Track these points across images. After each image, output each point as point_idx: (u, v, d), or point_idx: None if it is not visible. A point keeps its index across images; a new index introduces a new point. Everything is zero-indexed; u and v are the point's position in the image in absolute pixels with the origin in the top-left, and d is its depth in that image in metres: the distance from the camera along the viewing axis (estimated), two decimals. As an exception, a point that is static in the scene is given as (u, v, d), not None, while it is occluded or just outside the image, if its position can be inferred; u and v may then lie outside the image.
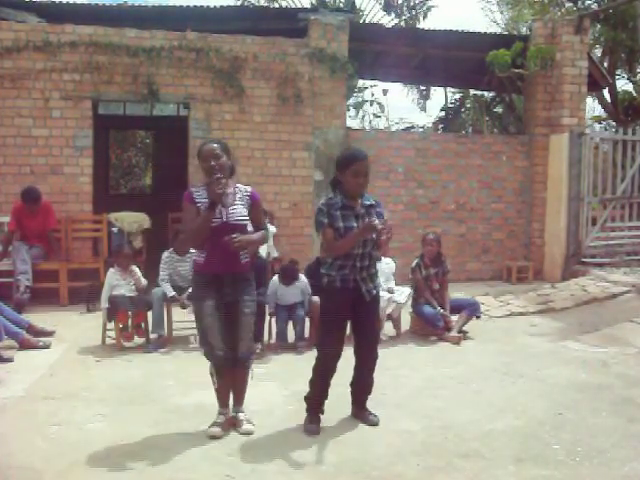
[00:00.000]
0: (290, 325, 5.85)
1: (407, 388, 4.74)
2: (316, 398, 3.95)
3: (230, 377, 3.85)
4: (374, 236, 3.80)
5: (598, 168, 9.45)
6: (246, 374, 3.93)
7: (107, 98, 8.31)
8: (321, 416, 3.95)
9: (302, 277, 5.87)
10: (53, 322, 6.36)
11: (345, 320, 3.97)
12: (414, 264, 6.44)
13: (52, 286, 7.38)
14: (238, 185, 3.86)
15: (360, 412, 4.07)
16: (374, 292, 3.93)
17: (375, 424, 3.98)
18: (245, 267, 3.81)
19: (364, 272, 3.86)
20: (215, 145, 3.74)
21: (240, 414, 3.92)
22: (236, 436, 3.78)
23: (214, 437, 3.71)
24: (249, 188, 3.88)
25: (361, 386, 4.09)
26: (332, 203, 3.85)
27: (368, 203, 3.90)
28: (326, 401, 3.98)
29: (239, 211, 3.74)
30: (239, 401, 3.97)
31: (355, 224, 3.79)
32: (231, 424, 3.89)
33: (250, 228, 3.82)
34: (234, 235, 3.59)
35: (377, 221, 3.66)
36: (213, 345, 3.73)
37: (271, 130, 8.55)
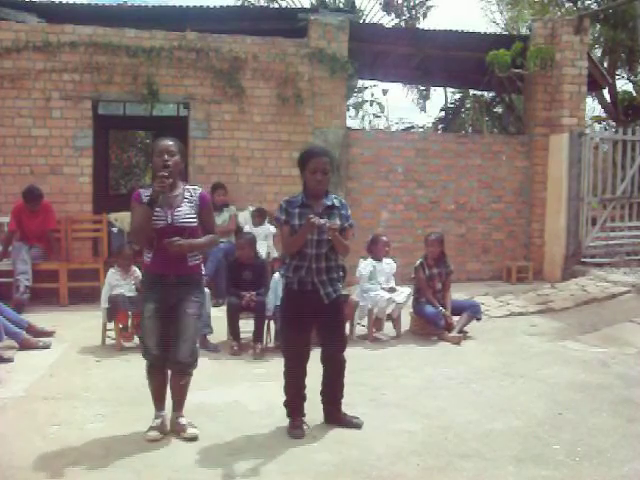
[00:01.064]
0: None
1: (407, 388, 4.74)
2: (293, 402, 3.90)
3: (163, 380, 3.79)
4: (328, 237, 3.73)
5: (598, 168, 9.45)
6: (186, 380, 3.79)
7: (107, 98, 8.31)
8: (304, 418, 3.90)
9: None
10: (53, 322, 6.36)
11: (306, 322, 3.88)
12: (417, 263, 6.44)
13: (52, 286, 7.38)
14: (188, 187, 3.82)
15: (339, 418, 3.96)
16: (333, 295, 3.84)
17: (360, 426, 3.91)
18: (193, 269, 3.75)
19: (323, 275, 3.79)
20: (170, 142, 3.70)
21: (181, 419, 3.79)
22: (236, 436, 3.77)
23: (154, 441, 3.65)
24: (199, 190, 3.83)
25: (331, 391, 3.98)
26: (292, 201, 3.83)
27: (329, 204, 3.82)
28: (306, 403, 3.93)
29: (186, 213, 3.69)
30: (179, 406, 3.83)
31: None
32: (173, 431, 3.77)
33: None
34: (175, 238, 3.56)
35: (316, 219, 3.60)
36: (148, 346, 3.70)
37: (271, 130, 8.55)
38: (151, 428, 3.75)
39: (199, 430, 3.79)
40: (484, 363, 5.45)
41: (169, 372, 3.79)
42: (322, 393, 4.02)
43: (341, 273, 3.97)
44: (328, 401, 4.01)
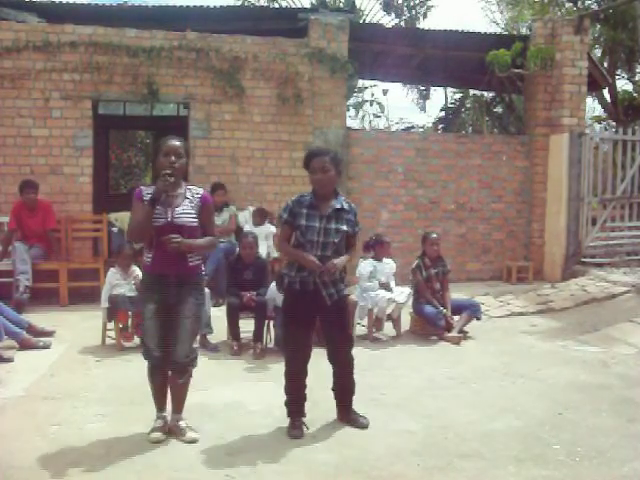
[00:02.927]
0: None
1: (407, 388, 4.74)
2: (294, 402, 3.91)
3: (164, 381, 3.77)
4: (335, 240, 3.77)
5: (598, 168, 9.45)
6: (185, 380, 3.77)
7: (107, 98, 8.31)
8: (304, 419, 3.91)
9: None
10: (53, 322, 6.36)
11: (308, 322, 3.90)
12: (414, 265, 6.44)
13: (52, 286, 7.38)
14: (190, 187, 3.80)
15: (347, 416, 4.01)
16: (336, 297, 3.85)
17: (365, 426, 3.93)
18: (193, 269, 3.72)
19: (324, 275, 3.79)
20: (178, 143, 3.67)
21: (181, 422, 3.78)
22: (236, 436, 3.78)
23: (157, 442, 3.64)
24: (201, 190, 3.82)
25: (341, 390, 4.04)
26: (301, 200, 3.83)
27: (338, 206, 3.83)
28: (307, 403, 3.94)
29: (186, 212, 3.67)
30: (178, 409, 3.82)
31: (317, 224, 3.76)
32: (172, 433, 3.74)
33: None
34: (173, 235, 3.53)
35: (321, 268, 3.69)
36: (149, 347, 3.68)
37: (271, 130, 8.55)
38: (154, 429, 3.74)
39: (199, 431, 3.79)
40: (484, 363, 5.45)
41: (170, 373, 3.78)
42: (333, 390, 4.07)
43: (343, 274, 3.98)
44: (339, 399, 4.06)
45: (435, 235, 6.47)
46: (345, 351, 3.97)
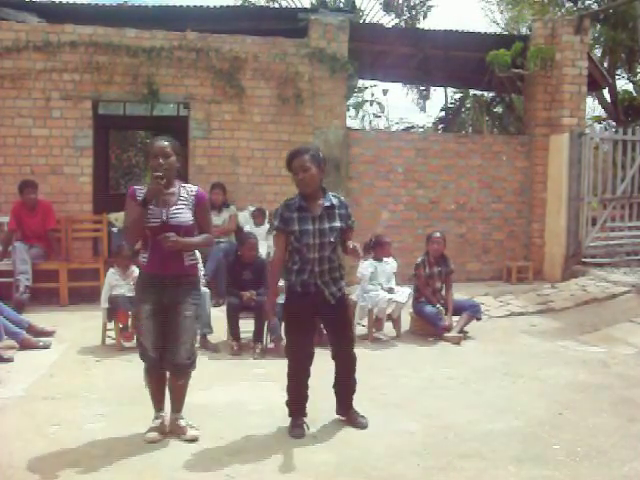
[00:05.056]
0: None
1: (407, 388, 4.74)
2: (295, 402, 3.91)
3: (162, 381, 3.76)
4: (332, 240, 3.74)
5: (598, 168, 9.45)
6: (185, 380, 3.78)
7: (107, 98, 8.30)
8: (305, 418, 3.91)
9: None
10: (53, 322, 6.36)
11: (310, 323, 3.91)
12: (419, 260, 6.46)
13: (52, 286, 7.38)
14: (185, 185, 3.77)
15: (347, 415, 4.01)
16: (339, 294, 3.85)
17: (365, 426, 3.93)
18: (190, 269, 3.71)
19: (326, 276, 3.79)
20: (166, 143, 3.65)
21: (180, 421, 3.79)
22: (236, 436, 3.77)
23: (153, 442, 3.63)
24: (195, 188, 3.78)
25: (342, 388, 4.04)
26: (289, 204, 3.78)
27: (327, 204, 3.78)
28: (307, 403, 3.95)
29: (180, 211, 3.65)
30: (178, 407, 3.83)
31: (311, 227, 3.72)
32: (173, 432, 3.75)
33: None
34: (168, 234, 3.51)
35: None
36: (146, 347, 3.66)
37: (271, 130, 8.55)
38: (150, 429, 3.74)
39: (199, 430, 3.79)
40: (484, 363, 5.45)
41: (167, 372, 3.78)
42: (334, 387, 4.07)
43: (343, 271, 3.96)
44: (339, 396, 4.06)
45: (438, 234, 6.48)
46: (348, 349, 3.99)
